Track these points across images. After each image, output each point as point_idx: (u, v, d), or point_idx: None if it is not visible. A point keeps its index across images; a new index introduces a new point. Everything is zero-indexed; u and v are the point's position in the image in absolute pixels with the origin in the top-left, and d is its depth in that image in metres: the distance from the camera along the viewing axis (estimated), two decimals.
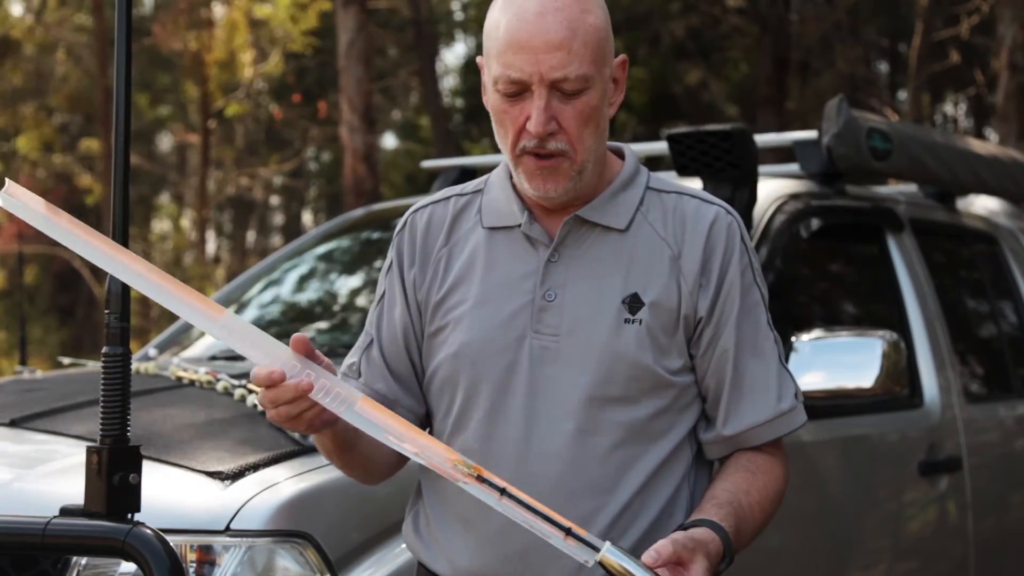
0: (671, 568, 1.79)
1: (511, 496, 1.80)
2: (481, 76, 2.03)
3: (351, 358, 2.12)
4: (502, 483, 1.81)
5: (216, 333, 1.83)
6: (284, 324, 4.19)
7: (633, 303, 1.97)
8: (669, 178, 2.62)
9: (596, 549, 1.78)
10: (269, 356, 1.82)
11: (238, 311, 4.30)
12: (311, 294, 4.46)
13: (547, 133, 1.92)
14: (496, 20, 1.96)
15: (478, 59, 2.05)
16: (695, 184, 3.25)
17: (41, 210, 1.83)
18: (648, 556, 1.78)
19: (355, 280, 4.45)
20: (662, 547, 1.79)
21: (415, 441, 1.84)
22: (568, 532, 1.79)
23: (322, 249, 4.55)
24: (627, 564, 1.77)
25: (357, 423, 1.84)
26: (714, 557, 1.85)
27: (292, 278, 4.38)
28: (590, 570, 1.93)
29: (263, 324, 4.06)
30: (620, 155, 2.09)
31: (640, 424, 1.98)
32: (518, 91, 1.93)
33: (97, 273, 19.67)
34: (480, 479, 1.81)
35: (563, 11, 1.91)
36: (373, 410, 1.85)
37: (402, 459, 2.09)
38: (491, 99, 1.98)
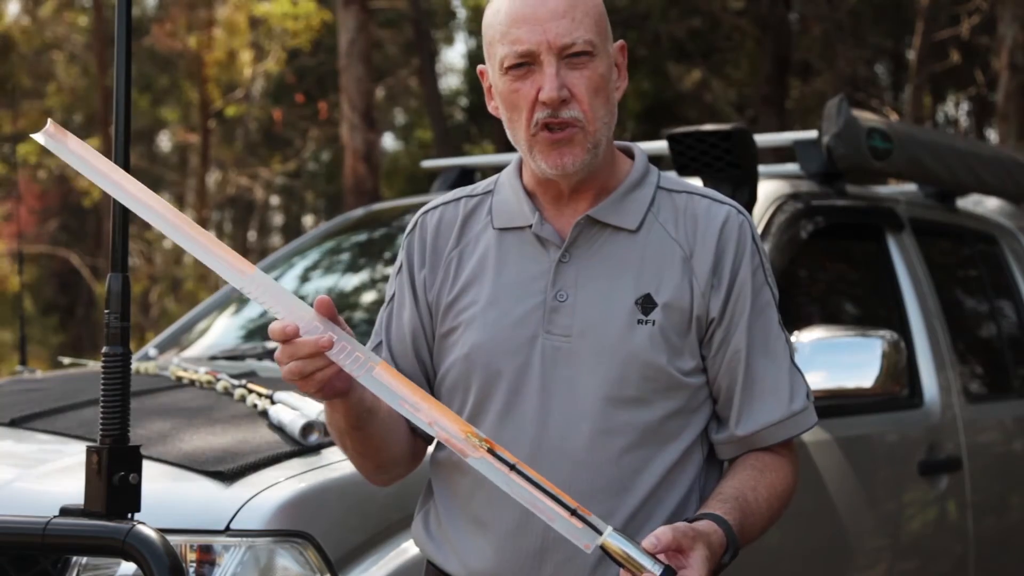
0: (671, 555, 1.79)
1: (520, 473, 1.80)
2: (483, 84, 2.04)
3: None
4: (512, 459, 1.81)
5: (244, 287, 1.83)
6: None
7: (646, 304, 1.98)
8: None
9: (599, 533, 1.79)
10: (292, 314, 1.82)
11: (237, 311, 4.31)
12: (311, 294, 4.45)
13: (560, 99, 1.93)
14: (495, 8, 1.99)
15: (479, 68, 2.06)
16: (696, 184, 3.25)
17: (81, 152, 1.86)
18: (648, 542, 1.78)
19: (355, 280, 4.45)
20: (662, 533, 1.79)
21: (429, 412, 1.84)
22: (573, 512, 1.79)
23: (322, 249, 4.55)
24: (628, 549, 1.77)
25: (373, 388, 1.84)
26: (716, 547, 1.85)
27: (292, 278, 4.38)
28: (602, 572, 1.94)
29: (263, 324, 4.06)
30: (630, 155, 2.10)
31: (653, 426, 1.98)
32: (527, 63, 1.94)
33: (97, 273, 19.68)
34: (492, 453, 1.81)
35: None
36: (390, 377, 1.85)
37: (415, 455, 2.09)
38: (500, 86, 1.99)
